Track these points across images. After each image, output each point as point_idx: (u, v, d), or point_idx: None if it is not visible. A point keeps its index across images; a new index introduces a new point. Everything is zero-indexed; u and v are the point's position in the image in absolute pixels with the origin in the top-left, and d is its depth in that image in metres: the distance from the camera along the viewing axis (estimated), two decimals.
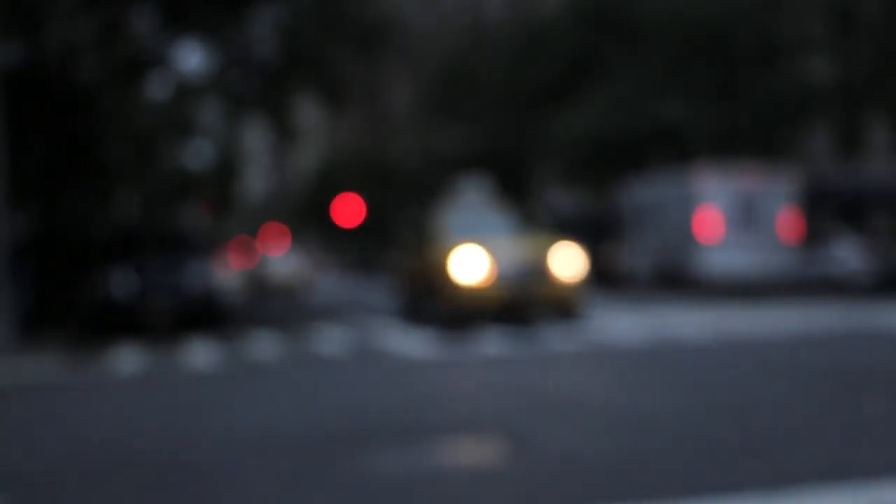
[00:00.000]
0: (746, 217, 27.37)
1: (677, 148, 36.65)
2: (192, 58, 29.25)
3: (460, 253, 16.92)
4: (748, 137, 36.89)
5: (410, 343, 15.35)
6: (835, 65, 35.99)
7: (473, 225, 18.16)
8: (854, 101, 35.77)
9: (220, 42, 25.07)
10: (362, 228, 70.55)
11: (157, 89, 31.86)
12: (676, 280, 28.28)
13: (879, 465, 5.63)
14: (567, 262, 17.18)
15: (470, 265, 16.77)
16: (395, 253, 23.02)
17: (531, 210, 41.25)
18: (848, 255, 26.77)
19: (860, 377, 9.50)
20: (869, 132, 38.72)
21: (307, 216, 76.90)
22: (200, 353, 15.14)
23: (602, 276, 31.98)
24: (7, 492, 5.91)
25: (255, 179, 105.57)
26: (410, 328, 17.55)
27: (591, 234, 34.32)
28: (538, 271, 16.92)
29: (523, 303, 16.80)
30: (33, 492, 6.00)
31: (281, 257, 41.13)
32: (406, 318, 19.46)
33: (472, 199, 19.47)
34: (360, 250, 73.50)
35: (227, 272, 20.75)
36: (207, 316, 19.63)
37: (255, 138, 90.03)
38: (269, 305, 29.60)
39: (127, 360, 14.81)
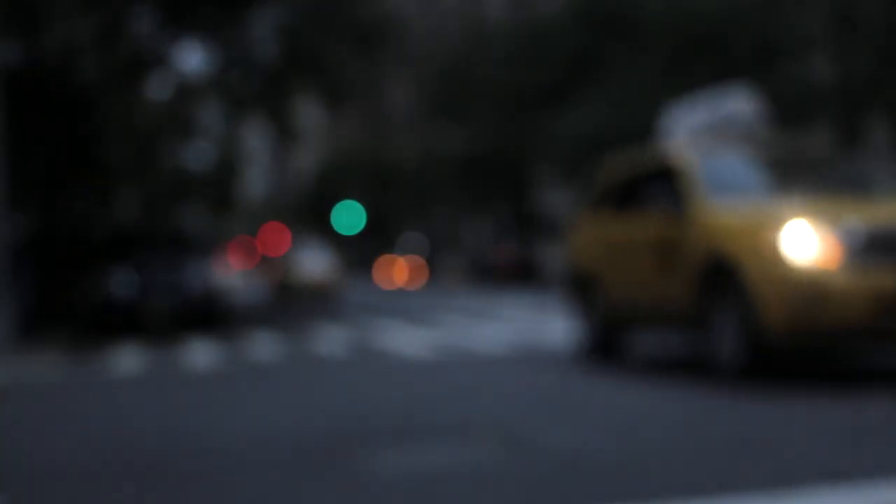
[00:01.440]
0: None
1: None
2: (192, 58, 29.28)
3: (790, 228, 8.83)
4: None
5: (410, 343, 15.35)
6: (835, 65, 35.98)
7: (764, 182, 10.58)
8: (854, 101, 35.75)
9: (220, 42, 25.08)
10: (362, 228, 70.49)
11: (157, 89, 31.88)
12: None
13: (880, 465, 5.63)
14: None
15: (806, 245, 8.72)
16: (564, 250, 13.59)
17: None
18: None
19: (856, 377, 9.51)
20: (869, 132, 38.72)
21: (307, 216, 76.88)
22: (200, 353, 15.14)
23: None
24: (7, 492, 5.92)
25: (255, 179, 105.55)
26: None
27: None
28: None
29: None
30: (33, 492, 6.00)
31: (309, 253, 35.70)
32: (604, 361, 11.83)
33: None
34: (360, 251, 73.46)
35: (229, 272, 20.63)
36: (207, 316, 19.64)
37: (255, 138, 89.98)
38: (300, 309, 28.40)
39: (127, 359, 14.81)
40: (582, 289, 12.09)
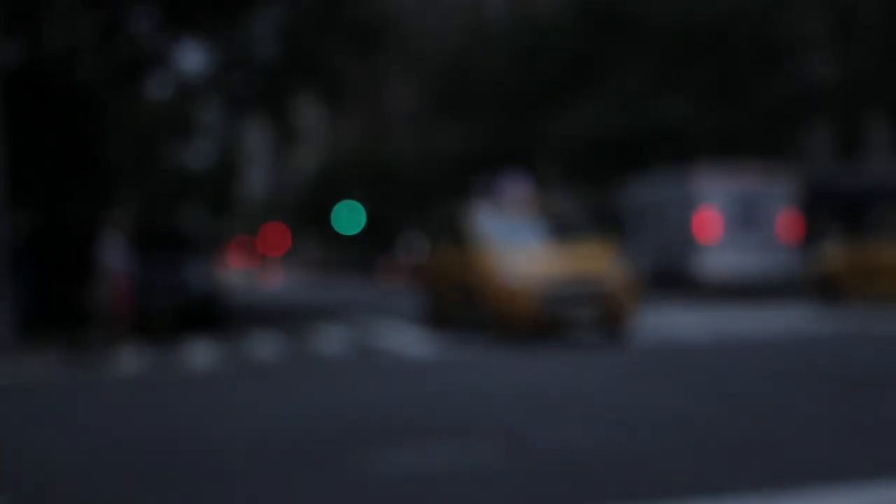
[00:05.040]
0: (746, 218, 27.35)
1: (677, 148, 36.65)
2: (192, 58, 29.26)
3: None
4: (748, 137, 36.89)
5: (410, 343, 15.35)
6: (835, 65, 35.99)
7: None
8: (854, 101, 35.75)
9: (220, 42, 25.08)
10: (363, 228, 70.44)
11: (157, 89, 31.87)
12: (675, 281, 28.27)
13: (881, 465, 5.63)
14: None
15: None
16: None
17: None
18: None
19: (859, 378, 9.51)
20: (869, 132, 38.72)
21: (307, 216, 76.89)
22: (200, 353, 15.14)
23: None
24: (7, 492, 5.92)
25: (255, 179, 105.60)
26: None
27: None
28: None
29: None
30: (33, 492, 6.00)
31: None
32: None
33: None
34: (361, 251, 73.43)
35: (229, 271, 20.67)
36: (207, 316, 19.64)
37: (255, 138, 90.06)
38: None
39: (127, 360, 14.81)
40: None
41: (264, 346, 15.83)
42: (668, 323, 17.31)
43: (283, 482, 5.91)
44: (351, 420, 8.09)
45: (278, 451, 6.89)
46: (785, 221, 27.71)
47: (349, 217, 69.84)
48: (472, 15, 59.39)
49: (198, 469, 6.43)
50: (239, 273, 74.43)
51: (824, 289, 21.47)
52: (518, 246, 15.65)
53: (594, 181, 41.07)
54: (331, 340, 16.41)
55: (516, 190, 17.61)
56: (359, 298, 35.08)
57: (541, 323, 14.68)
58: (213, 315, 19.74)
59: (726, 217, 27.36)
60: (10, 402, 10.69)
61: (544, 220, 16.66)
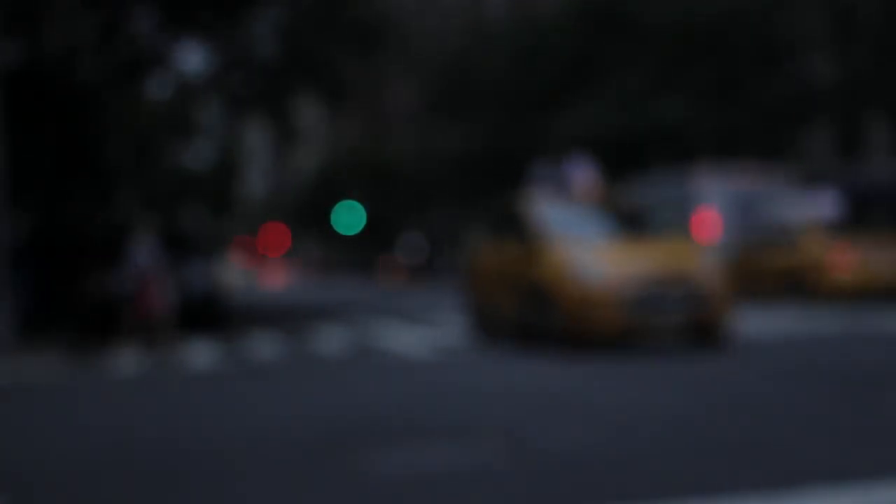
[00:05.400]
0: (746, 218, 27.34)
1: (677, 148, 36.65)
2: (192, 58, 29.26)
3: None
4: (748, 137, 36.89)
5: (410, 343, 15.35)
6: (835, 65, 35.98)
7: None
8: (854, 101, 35.75)
9: (220, 42, 25.09)
10: (363, 228, 70.46)
11: (157, 89, 31.87)
12: None
13: (882, 465, 5.63)
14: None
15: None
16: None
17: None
18: None
19: (860, 378, 9.51)
20: (869, 132, 38.71)
21: (307, 216, 76.89)
22: (200, 353, 15.14)
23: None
24: (7, 492, 5.92)
25: (255, 179, 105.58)
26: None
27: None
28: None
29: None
30: (33, 492, 6.00)
31: None
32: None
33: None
34: (361, 251, 73.44)
35: (230, 271, 20.73)
36: (208, 315, 19.64)
37: (255, 138, 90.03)
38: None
39: (127, 360, 14.81)
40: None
41: (264, 346, 15.83)
42: None
43: (283, 482, 5.91)
44: (351, 420, 8.09)
45: (278, 451, 6.89)
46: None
47: (349, 217, 69.85)
48: (472, 15, 59.38)
49: (198, 469, 6.43)
50: (239, 273, 74.40)
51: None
52: (592, 241, 13.63)
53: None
54: (331, 340, 16.41)
55: (582, 177, 15.33)
56: (359, 298, 35.08)
57: (626, 330, 12.67)
58: (213, 315, 19.74)
59: (725, 217, 27.35)
60: (10, 402, 10.69)
61: (616, 211, 14.70)
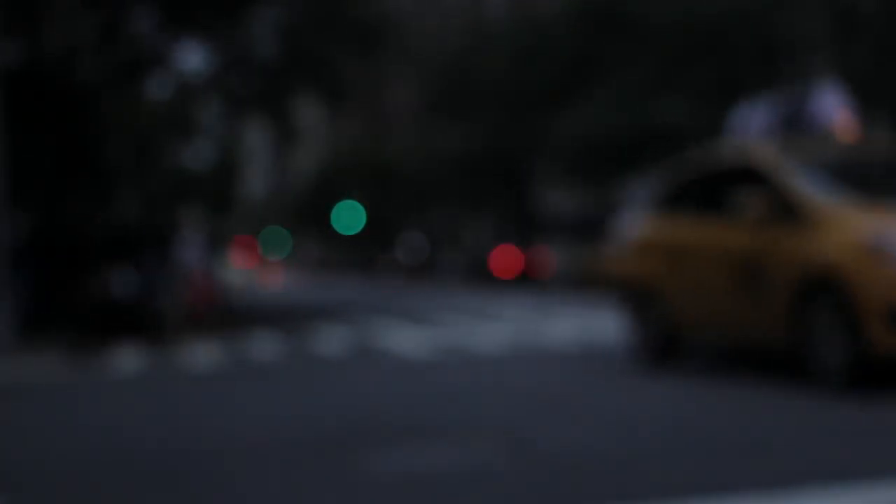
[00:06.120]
0: None
1: (677, 148, 36.64)
2: (192, 58, 29.24)
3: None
4: None
5: (410, 343, 15.34)
6: (835, 65, 35.99)
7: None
8: (854, 101, 35.75)
9: (220, 42, 25.08)
10: (362, 228, 70.45)
11: (157, 89, 31.86)
12: None
13: (881, 465, 5.63)
14: None
15: None
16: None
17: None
18: None
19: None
20: (869, 132, 38.69)
21: (307, 216, 76.84)
22: (200, 353, 15.14)
23: (601, 278, 31.91)
24: (7, 492, 5.91)
25: (255, 179, 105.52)
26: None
27: (589, 234, 34.30)
28: None
29: None
30: (33, 492, 6.00)
31: None
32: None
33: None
34: (361, 251, 73.43)
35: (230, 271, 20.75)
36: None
37: (255, 138, 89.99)
38: None
39: (127, 360, 14.81)
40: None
41: (264, 346, 15.83)
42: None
43: (283, 482, 5.91)
44: (351, 420, 8.08)
45: (278, 451, 6.88)
46: None
47: (349, 217, 69.82)
48: (472, 15, 59.34)
49: (198, 469, 6.42)
50: (239, 273, 74.32)
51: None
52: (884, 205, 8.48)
53: (594, 181, 41.06)
54: (331, 340, 16.40)
55: (830, 112, 10.26)
56: (359, 298, 35.08)
57: None
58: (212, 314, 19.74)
59: None
60: (11, 402, 10.69)
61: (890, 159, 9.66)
